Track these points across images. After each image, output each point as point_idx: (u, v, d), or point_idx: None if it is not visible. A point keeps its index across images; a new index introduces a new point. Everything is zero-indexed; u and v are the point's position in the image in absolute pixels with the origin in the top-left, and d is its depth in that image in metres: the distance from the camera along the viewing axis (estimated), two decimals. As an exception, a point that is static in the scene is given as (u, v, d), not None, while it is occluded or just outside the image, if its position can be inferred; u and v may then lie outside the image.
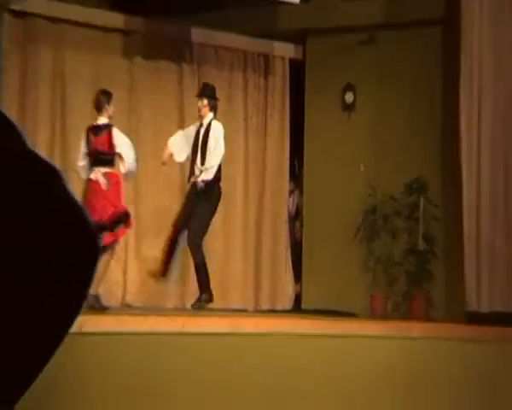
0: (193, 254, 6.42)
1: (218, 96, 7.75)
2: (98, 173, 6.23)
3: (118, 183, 6.27)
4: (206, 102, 6.58)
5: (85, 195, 6.12)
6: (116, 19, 7.57)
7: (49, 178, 0.68)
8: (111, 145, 6.25)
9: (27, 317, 0.67)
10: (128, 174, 6.35)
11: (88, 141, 6.30)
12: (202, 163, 6.51)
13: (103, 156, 6.28)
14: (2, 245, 0.65)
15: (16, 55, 7.16)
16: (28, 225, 0.66)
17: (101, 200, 6.09)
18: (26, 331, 0.67)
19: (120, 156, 6.27)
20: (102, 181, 6.15)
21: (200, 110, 6.62)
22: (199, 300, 6.31)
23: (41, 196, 0.66)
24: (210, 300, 6.26)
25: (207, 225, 6.49)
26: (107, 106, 6.38)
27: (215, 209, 6.55)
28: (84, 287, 0.71)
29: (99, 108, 6.40)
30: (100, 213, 5.84)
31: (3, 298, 0.65)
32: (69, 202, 0.68)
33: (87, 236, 0.70)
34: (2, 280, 0.65)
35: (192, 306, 6.33)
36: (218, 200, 6.56)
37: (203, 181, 6.48)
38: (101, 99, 6.39)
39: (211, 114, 6.57)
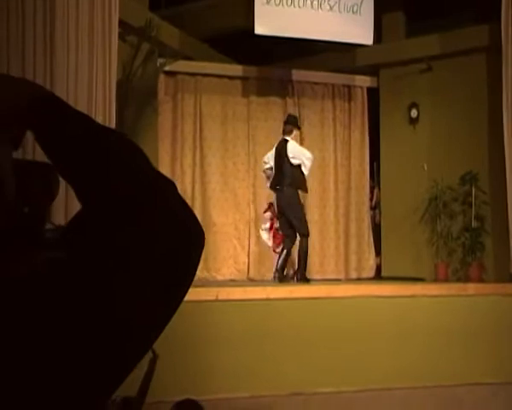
0: (300, 243, 6.27)
1: (313, 119, 7.72)
2: None
3: None
4: (289, 127, 6.48)
5: None
6: (236, 69, 7.77)
7: (169, 184, 0.73)
8: None
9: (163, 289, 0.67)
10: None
11: None
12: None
13: None
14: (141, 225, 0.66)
15: (168, 102, 7.45)
16: (159, 212, 0.67)
17: None
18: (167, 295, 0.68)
19: None
20: None
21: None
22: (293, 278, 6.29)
23: (167, 193, 0.71)
24: (300, 280, 6.14)
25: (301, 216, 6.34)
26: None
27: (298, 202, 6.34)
28: (194, 264, 0.71)
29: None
30: None
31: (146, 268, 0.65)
32: (183, 201, 0.73)
33: (196, 226, 0.73)
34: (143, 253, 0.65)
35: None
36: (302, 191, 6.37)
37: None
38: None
39: (291, 136, 6.44)
